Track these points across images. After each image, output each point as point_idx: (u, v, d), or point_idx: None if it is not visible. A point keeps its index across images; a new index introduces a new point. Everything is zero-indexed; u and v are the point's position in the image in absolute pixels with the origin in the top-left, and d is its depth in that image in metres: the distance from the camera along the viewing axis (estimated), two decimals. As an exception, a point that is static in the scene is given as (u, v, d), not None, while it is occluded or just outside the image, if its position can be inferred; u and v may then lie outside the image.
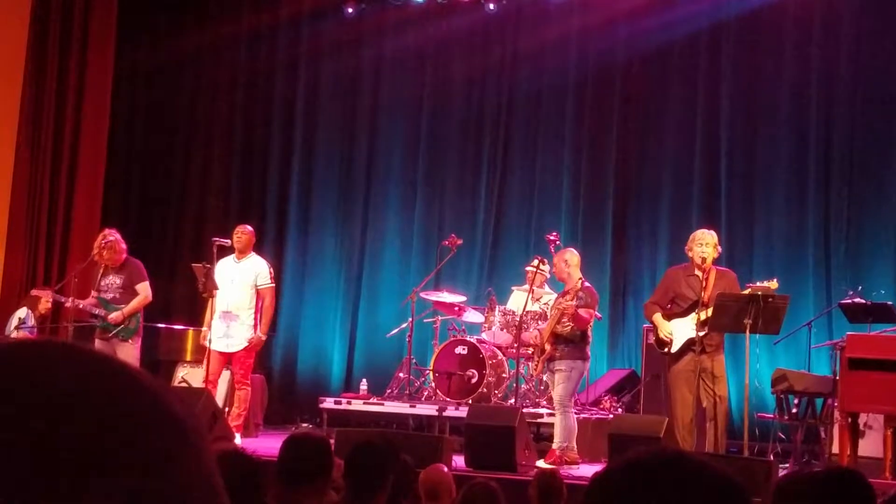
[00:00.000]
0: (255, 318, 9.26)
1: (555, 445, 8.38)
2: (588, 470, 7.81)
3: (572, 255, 8.67)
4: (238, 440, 8.40)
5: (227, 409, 9.32)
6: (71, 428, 0.72)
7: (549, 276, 9.58)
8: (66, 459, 0.71)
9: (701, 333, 7.86)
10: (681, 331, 8.06)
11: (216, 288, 9.25)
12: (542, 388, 9.86)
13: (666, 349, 8.13)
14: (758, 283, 8.04)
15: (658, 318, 8.16)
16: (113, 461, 0.72)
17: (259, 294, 9.29)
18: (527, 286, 9.53)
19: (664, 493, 1.19)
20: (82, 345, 0.81)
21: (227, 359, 9.23)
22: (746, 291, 7.92)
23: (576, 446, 8.47)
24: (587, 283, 8.63)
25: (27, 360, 0.76)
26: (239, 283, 9.24)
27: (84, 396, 0.74)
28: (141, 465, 0.73)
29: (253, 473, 3.38)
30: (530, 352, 9.08)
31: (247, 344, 9.16)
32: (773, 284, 7.98)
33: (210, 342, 9.11)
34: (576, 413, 9.42)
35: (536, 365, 8.72)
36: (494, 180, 12.23)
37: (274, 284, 9.53)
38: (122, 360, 0.80)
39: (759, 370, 9.49)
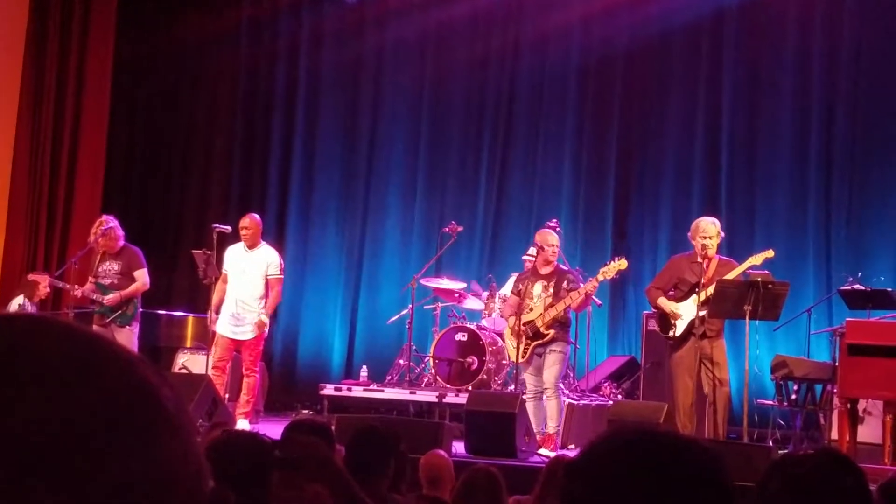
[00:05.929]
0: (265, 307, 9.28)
1: (552, 430, 8.39)
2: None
3: (556, 237, 8.75)
4: (247, 426, 8.43)
5: (227, 396, 9.33)
6: (30, 403, 0.67)
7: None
8: (22, 437, 0.66)
9: (702, 314, 7.88)
10: (684, 313, 8.10)
11: (217, 274, 9.27)
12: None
13: (670, 332, 8.15)
14: (754, 255, 8.10)
15: (663, 300, 8.21)
16: (80, 441, 0.68)
17: (269, 284, 9.30)
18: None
19: (644, 467, 1.20)
20: (57, 317, 0.77)
21: (237, 346, 9.23)
22: (744, 266, 7.97)
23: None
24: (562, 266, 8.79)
25: None
26: (250, 273, 9.23)
27: (55, 370, 0.69)
28: (116, 448, 0.69)
29: (267, 454, 3.35)
30: (506, 340, 9.07)
31: (257, 332, 9.17)
32: (769, 254, 8.04)
33: (218, 327, 9.15)
34: (576, 399, 9.48)
35: (525, 351, 8.57)
36: (495, 167, 12.22)
37: (282, 276, 9.51)
38: (106, 337, 0.77)
39: (759, 356, 9.50)
